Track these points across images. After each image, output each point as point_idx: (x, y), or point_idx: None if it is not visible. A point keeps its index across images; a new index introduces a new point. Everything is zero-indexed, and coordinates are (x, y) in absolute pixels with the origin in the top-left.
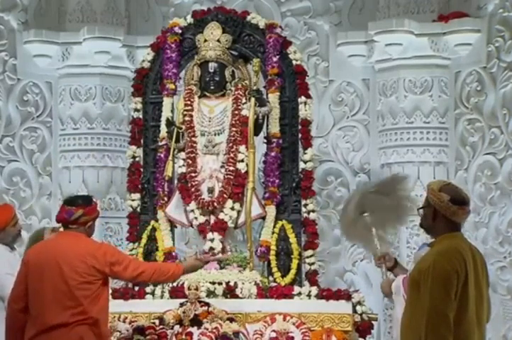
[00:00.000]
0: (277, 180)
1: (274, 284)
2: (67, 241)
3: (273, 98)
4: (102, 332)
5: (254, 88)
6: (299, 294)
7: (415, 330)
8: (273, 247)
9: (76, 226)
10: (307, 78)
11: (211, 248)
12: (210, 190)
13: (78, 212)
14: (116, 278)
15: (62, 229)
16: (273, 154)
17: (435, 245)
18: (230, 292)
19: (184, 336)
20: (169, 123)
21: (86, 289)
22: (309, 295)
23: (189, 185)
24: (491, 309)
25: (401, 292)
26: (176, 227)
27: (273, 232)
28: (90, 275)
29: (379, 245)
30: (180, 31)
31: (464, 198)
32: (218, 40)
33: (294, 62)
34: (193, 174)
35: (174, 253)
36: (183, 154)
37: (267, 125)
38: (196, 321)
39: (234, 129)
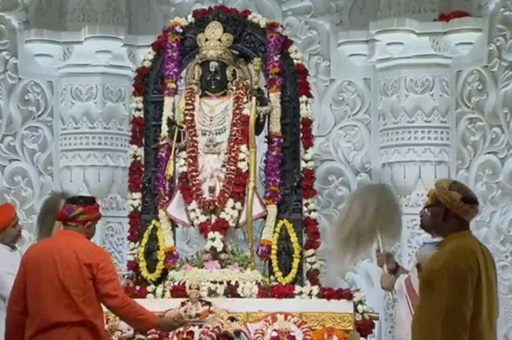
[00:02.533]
0: (278, 180)
1: (275, 283)
2: (64, 240)
3: (274, 97)
4: (101, 336)
5: (255, 87)
6: (300, 293)
7: (428, 330)
8: (274, 246)
9: (75, 224)
10: (308, 77)
11: (212, 248)
12: (212, 190)
13: (78, 209)
14: (96, 289)
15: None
16: (274, 153)
17: (444, 244)
18: (231, 291)
19: (185, 336)
20: (170, 122)
21: (78, 287)
22: (310, 294)
23: (190, 184)
24: (499, 307)
25: (404, 292)
26: (177, 226)
27: (274, 231)
28: (81, 272)
29: (381, 244)
30: (181, 30)
31: (474, 197)
32: (219, 40)
33: (295, 61)
34: (194, 173)
35: (175, 253)
36: (184, 154)
37: (268, 124)
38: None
39: (235, 128)
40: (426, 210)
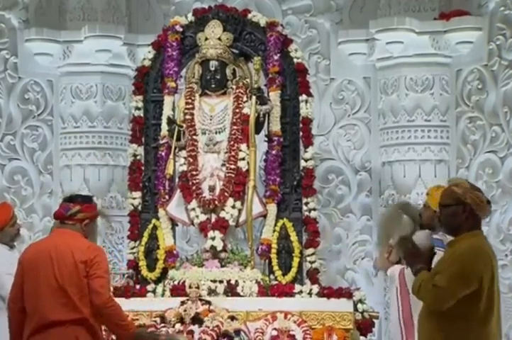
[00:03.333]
0: (278, 179)
1: (275, 282)
2: (61, 238)
3: (274, 96)
4: (99, 335)
5: (255, 86)
6: (300, 292)
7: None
8: (274, 245)
9: (72, 222)
10: (308, 76)
11: (212, 247)
12: (212, 189)
13: (75, 207)
14: (87, 283)
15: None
16: (274, 152)
17: (455, 244)
18: (231, 290)
19: (185, 335)
20: (170, 121)
21: (73, 286)
22: (310, 293)
23: (190, 183)
24: None
25: (396, 282)
26: (177, 225)
27: (274, 230)
28: (77, 270)
29: (394, 239)
30: (181, 29)
31: None
32: (219, 38)
33: (295, 60)
34: (194, 172)
35: (175, 252)
36: (184, 153)
37: (268, 123)
38: (197, 320)
39: (235, 127)
40: (440, 208)
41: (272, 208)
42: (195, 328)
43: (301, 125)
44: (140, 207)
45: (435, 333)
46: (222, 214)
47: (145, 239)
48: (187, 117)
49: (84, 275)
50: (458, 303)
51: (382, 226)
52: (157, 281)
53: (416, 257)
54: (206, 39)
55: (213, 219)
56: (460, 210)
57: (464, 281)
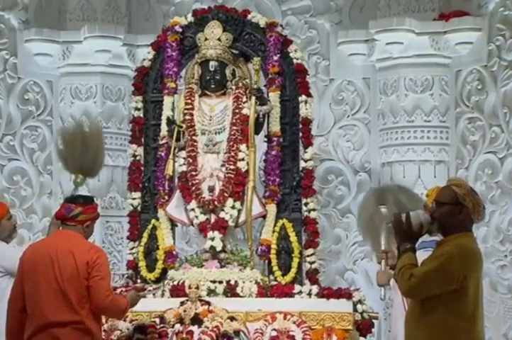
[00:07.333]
0: (278, 179)
1: (274, 283)
2: (62, 240)
3: (273, 96)
4: (96, 337)
5: (255, 86)
6: (300, 292)
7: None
8: (273, 246)
9: (73, 223)
10: (308, 76)
11: (212, 247)
12: (211, 189)
13: (77, 209)
14: (88, 285)
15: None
16: (273, 152)
17: (445, 243)
18: (231, 290)
19: (184, 335)
20: (170, 122)
21: (74, 288)
22: (310, 294)
23: (190, 183)
24: None
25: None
26: (176, 226)
27: (273, 231)
28: (78, 272)
29: (384, 241)
30: (181, 30)
31: None
32: (219, 39)
33: (295, 61)
34: (193, 173)
35: (174, 252)
36: (183, 153)
37: (268, 124)
38: (197, 320)
39: (234, 128)
40: (436, 205)
41: (272, 209)
42: (194, 328)
43: (300, 126)
44: (139, 208)
45: (420, 329)
46: (221, 214)
47: (144, 240)
48: (187, 117)
49: (85, 277)
50: (444, 300)
51: (363, 230)
52: (157, 281)
53: (408, 235)
54: (206, 39)
55: (212, 220)
56: (457, 211)
57: (440, 278)
